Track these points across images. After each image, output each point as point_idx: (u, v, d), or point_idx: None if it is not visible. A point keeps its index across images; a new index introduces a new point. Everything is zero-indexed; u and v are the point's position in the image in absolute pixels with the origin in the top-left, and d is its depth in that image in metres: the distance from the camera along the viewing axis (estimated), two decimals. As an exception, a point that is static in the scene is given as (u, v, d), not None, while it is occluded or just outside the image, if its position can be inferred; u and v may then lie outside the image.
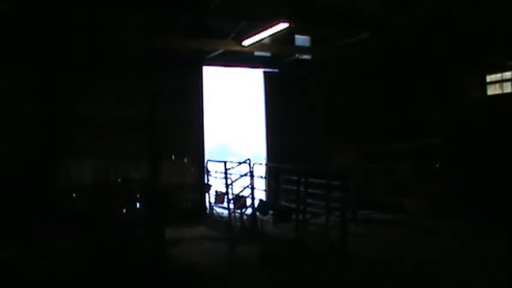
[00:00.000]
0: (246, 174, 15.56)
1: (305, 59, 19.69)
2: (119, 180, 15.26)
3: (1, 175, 14.41)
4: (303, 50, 19.24)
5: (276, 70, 19.37)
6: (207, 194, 17.39)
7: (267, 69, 19.35)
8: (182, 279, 10.21)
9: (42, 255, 11.75)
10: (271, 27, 14.05)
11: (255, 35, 15.01)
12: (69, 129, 15.71)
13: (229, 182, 15.29)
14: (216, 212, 16.91)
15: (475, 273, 10.08)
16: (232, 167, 15.81)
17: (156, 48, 15.76)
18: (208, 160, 17.62)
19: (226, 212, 15.41)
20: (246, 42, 15.65)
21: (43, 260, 11.38)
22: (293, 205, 13.59)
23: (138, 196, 15.45)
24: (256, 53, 18.53)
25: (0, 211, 13.62)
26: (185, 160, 17.43)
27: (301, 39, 18.92)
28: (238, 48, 16.09)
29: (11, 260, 11.50)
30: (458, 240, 13.06)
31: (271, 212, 15.46)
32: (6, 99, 14.98)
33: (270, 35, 14.88)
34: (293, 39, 18.63)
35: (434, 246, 12.59)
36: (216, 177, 16.85)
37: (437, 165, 17.11)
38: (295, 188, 13.16)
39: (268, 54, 19.03)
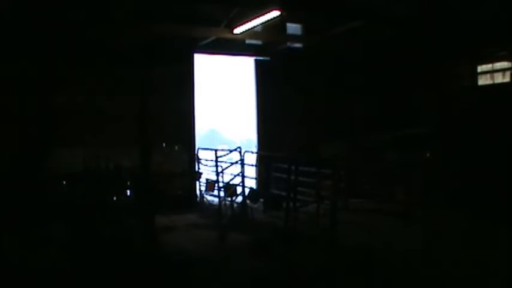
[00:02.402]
0: (236, 162, 15.59)
1: (297, 48, 19.65)
2: (110, 167, 15.23)
3: None
4: (294, 38, 19.19)
5: (268, 58, 19.32)
6: (197, 182, 17.39)
7: (259, 57, 19.30)
8: (173, 266, 10.22)
9: (32, 243, 11.75)
10: (262, 15, 14.03)
11: (246, 22, 14.98)
12: (60, 118, 15.65)
13: (219, 170, 15.30)
14: (207, 200, 16.93)
15: (459, 263, 10.17)
16: (223, 155, 15.83)
17: (147, 36, 15.72)
18: (199, 148, 17.62)
19: (216, 200, 15.43)
20: (238, 30, 15.62)
21: (33, 248, 11.39)
22: (283, 193, 13.61)
23: (128, 184, 15.45)
24: (248, 41, 18.48)
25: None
26: (176, 148, 17.41)
27: (293, 28, 18.86)
28: (229, 36, 16.07)
29: (4, 246, 11.51)
30: (446, 231, 13.13)
31: (261, 200, 15.48)
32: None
33: (262, 23, 14.87)
34: (285, 28, 18.57)
35: (423, 235, 12.66)
36: (206, 165, 16.86)
37: (428, 155, 17.17)
38: (285, 176, 13.18)
39: (259, 42, 18.97)
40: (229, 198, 15.26)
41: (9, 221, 12.87)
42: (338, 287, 9.15)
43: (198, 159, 17.37)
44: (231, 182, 15.43)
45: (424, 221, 14.34)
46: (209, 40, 16.98)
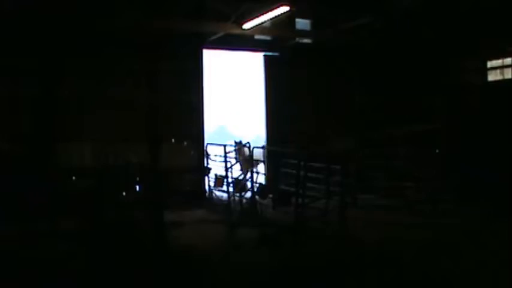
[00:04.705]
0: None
1: (305, 43, 19.62)
2: (119, 163, 15.28)
3: (2, 156, 14.42)
4: (303, 33, 19.17)
5: (276, 54, 19.30)
6: (206, 178, 17.39)
7: (267, 53, 19.28)
8: (182, 261, 10.25)
9: (42, 236, 11.82)
10: (271, 10, 14.00)
11: (255, 18, 14.97)
12: (70, 112, 15.72)
13: (228, 165, 15.29)
14: (216, 195, 16.92)
15: (468, 259, 10.15)
16: (232, 151, 15.82)
17: (157, 30, 15.71)
18: (207, 143, 17.61)
19: (225, 195, 15.43)
20: (247, 26, 15.60)
21: (43, 240, 11.46)
22: (292, 189, 13.59)
23: (137, 179, 15.48)
24: (257, 37, 18.48)
25: (1, 191, 13.65)
26: (185, 143, 17.43)
27: (302, 23, 18.85)
28: (238, 31, 16.04)
29: (13, 239, 11.58)
30: (455, 226, 13.08)
31: (270, 195, 15.47)
32: (6, 80, 14.97)
33: (271, 19, 14.85)
34: (294, 23, 18.55)
35: (430, 231, 12.61)
36: (215, 161, 16.85)
37: (436, 151, 17.09)
38: (294, 171, 13.15)
39: (268, 37, 18.96)
40: (238, 194, 15.25)
41: (18, 213, 12.98)
42: (346, 280, 9.13)
43: (207, 155, 17.36)
44: (240, 178, 15.42)
45: (433, 216, 14.27)
46: (218, 35, 16.97)
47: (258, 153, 16.87)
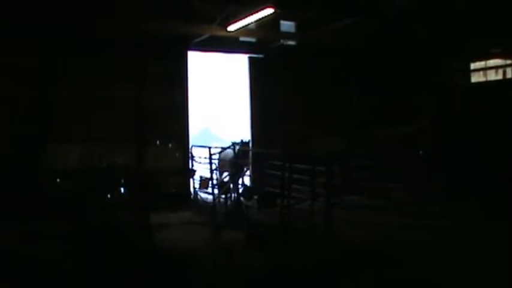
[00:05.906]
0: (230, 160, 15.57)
1: (290, 45, 19.66)
2: (104, 164, 15.23)
3: None
4: (288, 35, 19.21)
5: (261, 56, 19.32)
6: (191, 180, 17.37)
7: (252, 55, 19.30)
8: (168, 263, 10.23)
9: (27, 237, 11.76)
10: (256, 12, 14.03)
11: (240, 20, 14.99)
12: (54, 114, 15.62)
13: (213, 167, 15.29)
14: (201, 197, 16.91)
15: (454, 258, 10.23)
16: (217, 153, 15.81)
17: (143, 32, 15.68)
18: (192, 145, 17.61)
19: (210, 197, 15.42)
20: (232, 28, 15.62)
21: (29, 241, 11.40)
22: (277, 190, 13.61)
23: (122, 181, 15.43)
24: (242, 39, 18.48)
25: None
26: (170, 145, 17.40)
27: (287, 25, 18.89)
28: (223, 33, 16.06)
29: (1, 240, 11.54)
30: (441, 227, 13.15)
31: (255, 197, 15.47)
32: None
33: (256, 21, 14.88)
34: (278, 25, 18.60)
35: (419, 231, 12.68)
36: (200, 163, 16.85)
37: (420, 152, 17.17)
38: (279, 173, 13.18)
39: (253, 39, 18.98)
40: (223, 196, 15.25)
41: (8, 213, 12.91)
42: (335, 280, 9.17)
43: (192, 157, 17.35)
44: (225, 180, 15.41)
45: (421, 217, 14.33)
46: (203, 37, 16.95)
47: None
